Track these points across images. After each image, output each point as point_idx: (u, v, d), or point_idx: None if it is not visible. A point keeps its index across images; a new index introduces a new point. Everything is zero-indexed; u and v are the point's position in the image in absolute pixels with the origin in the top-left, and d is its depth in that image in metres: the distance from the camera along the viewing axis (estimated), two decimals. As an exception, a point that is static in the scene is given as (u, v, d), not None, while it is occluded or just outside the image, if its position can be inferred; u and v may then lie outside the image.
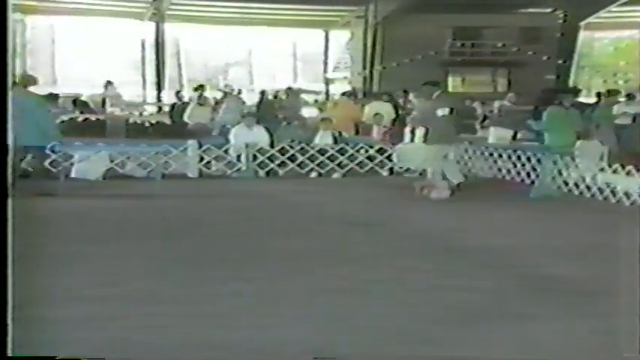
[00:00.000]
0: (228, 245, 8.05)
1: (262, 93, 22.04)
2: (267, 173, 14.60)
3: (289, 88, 21.30)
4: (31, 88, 12.20)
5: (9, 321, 3.43)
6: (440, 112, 12.00)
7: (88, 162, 13.60)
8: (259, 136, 15.05)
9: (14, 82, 12.54)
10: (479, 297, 5.91)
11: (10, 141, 3.64)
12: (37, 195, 11.11)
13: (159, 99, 26.67)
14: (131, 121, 15.80)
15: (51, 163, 13.16)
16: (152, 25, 28.20)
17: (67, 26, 32.13)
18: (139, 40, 29.65)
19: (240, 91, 25.25)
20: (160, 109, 24.51)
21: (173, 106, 20.05)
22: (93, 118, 15.41)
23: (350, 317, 5.39)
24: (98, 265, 6.96)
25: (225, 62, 35.07)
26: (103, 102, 19.32)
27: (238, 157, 14.66)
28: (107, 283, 6.25)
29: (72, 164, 13.58)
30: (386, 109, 17.59)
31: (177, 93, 22.51)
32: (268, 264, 7.11)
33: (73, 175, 13.44)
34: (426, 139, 12.53)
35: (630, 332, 4.67)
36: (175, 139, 14.63)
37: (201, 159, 14.43)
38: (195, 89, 20.80)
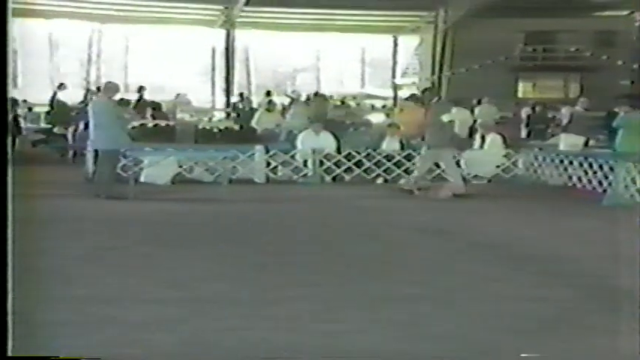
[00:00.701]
0: (296, 250, 8.07)
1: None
2: (334, 179, 14.62)
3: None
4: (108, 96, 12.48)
5: (9, 321, 3.36)
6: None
7: (158, 167, 13.85)
8: (326, 141, 15.08)
9: (97, 89, 12.91)
10: (549, 307, 5.77)
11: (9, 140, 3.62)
12: (108, 198, 11.38)
13: (227, 105, 26.96)
14: (200, 126, 15.97)
15: (122, 168, 13.44)
16: (222, 33, 28.53)
17: (140, 34, 32.80)
18: (209, 48, 30.06)
19: (308, 97, 25.39)
20: (228, 114, 24.76)
21: (235, 108, 20.24)
22: (163, 124, 15.63)
23: (420, 325, 5.31)
24: (166, 268, 7.06)
25: (294, 68, 35.25)
26: (174, 108, 19.69)
27: (305, 162, 14.73)
28: (175, 286, 6.31)
29: (142, 169, 13.85)
30: (463, 116, 17.34)
31: (245, 98, 22.75)
32: (336, 269, 7.09)
33: (142, 179, 13.70)
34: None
35: None
36: (243, 144, 14.76)
37: (268, 164, 14.54)
38: (267, 95, 21.06)
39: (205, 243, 8.41)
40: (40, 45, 33.38)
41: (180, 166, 14.21)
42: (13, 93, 21.21)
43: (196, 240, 8.60)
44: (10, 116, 17.06)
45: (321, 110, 18.30)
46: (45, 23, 31.45)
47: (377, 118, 22.24)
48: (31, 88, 23.53)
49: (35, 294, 5.96)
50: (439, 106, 13.36)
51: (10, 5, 3.38)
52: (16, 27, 27.85)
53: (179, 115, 18.18)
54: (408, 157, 14.87)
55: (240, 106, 22.20)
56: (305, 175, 14.67)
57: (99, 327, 5.14)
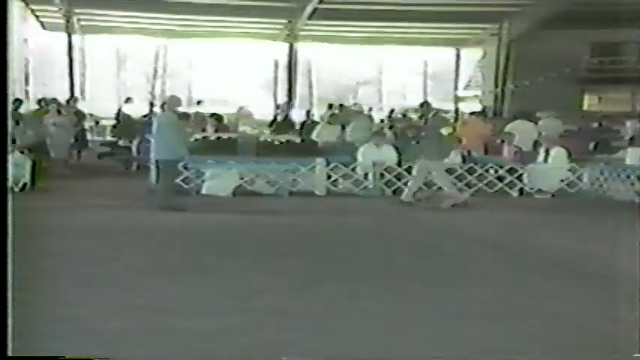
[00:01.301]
0: (356, 263, 8.02)
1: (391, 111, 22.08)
2: (394, 192, 14.52)
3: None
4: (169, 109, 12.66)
5: (9, 321, 3.41)
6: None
7: (219, 179, 13.99)
8: (387, 154, 15.03)
9: (163, 104, 13.18)
10: (618, 328, 5.59)
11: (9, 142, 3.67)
12: (169, 209, 11.53)
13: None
14: (262, 139, 16.07)
15: (183, 180, 13.62)
16: (285, 46, 28.72)
17: (204, 49, 33.26)
18: (271, 61, 30.29)
19: (370, 110, 25.32)
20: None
21: (303, 124, 20.33)
22: (225, 136, 15.79)
23: (483, 343, 5.20)
24: (227, 279, 7.08)
25: (356, 81, 35.23)
26: (236, 121, 19.87)
27: (365, 175, 14.69)
28: (235, 297, 6.33)
29: (203, 181, 14.00)
30: (526, 129, 17.08)
31: (308, 112, 22.82)
32: (397, 283, 7.02)
33: (203, 191, 13.85)
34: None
35: None
36: (304, 157, 14.80)
37: (329, 177, 14.53)
38: (329, 108, 21.08)
39: (265, 255, 8.43)
40: (108, 60, 34.17)
41: (242, 179, 14.32)
42: (81, 106, 21.74)
43: (256, 252, 8.63)
44: (77, 129, 17.38)
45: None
46: (113, 39, 32.18)
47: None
48: (99, 102, 24.05)
49: (97, 303, 6.06)
50: (435, 119, 14.35)
51: (11, 6, 3.43)
52: (85, 43, 28.54)
53: (241, 128, 18.33)
54: (470, 171, 14.71)
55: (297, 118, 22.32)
56: (365, 187, 14.62)
57: (160, 337, 5.18)
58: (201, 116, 17.59)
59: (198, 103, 21.54)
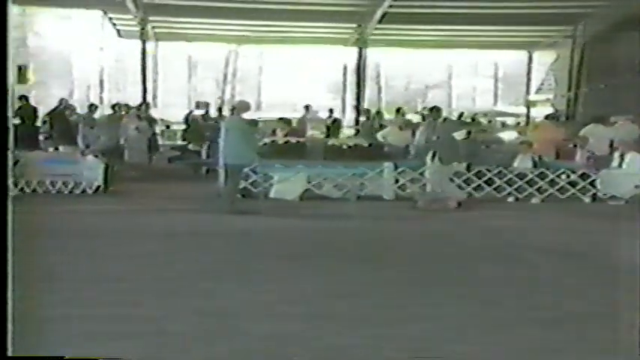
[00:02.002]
0: (423, 268, 7.96)
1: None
2: (463, 197, 14.35)
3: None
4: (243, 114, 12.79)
5: (9, 321, 3.40)
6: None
7: (287, 183, 14.08)
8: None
9: (232, 109, 13.34)
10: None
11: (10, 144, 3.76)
12: (236, 213, 11.65)
13: (357, 122, 27.06)
14: (329, 143, 16.12)
15: (251, 184, 13.75)
16: (354, 50, 28.73)
17: (274, 54, 33.58)
18: (340, 65, 30.36)
19: (439, 111, 25.09)
20: (357, 131, 24.85)
21: (363, 125, 20.25)
22: (293, 140, 15.89)
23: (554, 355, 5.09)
24: (291, 283, 7.10)
25: (425, 85, 35.01)
26: (304, 125, 19.96)
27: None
28: (298, 302, 6.35)
29: (271, 185, 14.11)
30: (600, 133, 16.63)
31: (368, 115, 22.79)
32: (462, 289, 6.93)
33: (272, 195, 13.95)
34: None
35: None
36: (372, 161, 14.77)
37: (397, 181, 14.46)
38: (397, 112, 21.01)
39: (331, 259, 8.42)
40: (180, 66, 34.78)
41: (309, 182, 14.37)
42: (153, 112, 22.18)
43: (322, 256, 8.63)
44: (149, 134, 17.72)
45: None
46: (185, 46, 32.76)
47: (509, 136, 21.73)
48: (170, 108, 24.50)
49: (163, 305, 6.16)
50: (449, 123, 14.68)
51: (11, 6, 3.49)
52: (159, 50, 29.11)
53: (309, 132, 18.41)
54: (541, 176, 14.45)
55: (367, 122, 22.26)
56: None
57: (225, 339, 5.23)
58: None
59: (307, 108, 21.53)
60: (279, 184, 14.12)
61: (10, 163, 3.97)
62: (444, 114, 15.85)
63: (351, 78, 29.00)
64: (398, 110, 20.96)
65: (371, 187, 14.42)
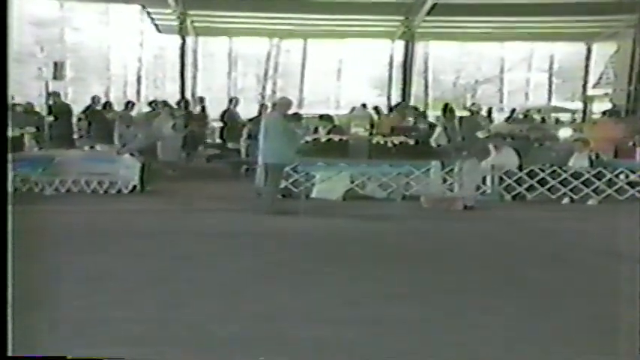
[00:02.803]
0: (474, 272, 7.88)
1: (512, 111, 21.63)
2: (514, 197, 14.19)
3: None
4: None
5: (9, 321, 3.50)
6: None
7: (330, 182, 14.05)
8: (507, 157, 14.70)
9: (273, 105, 13.37)
10: None
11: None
12: (277, 214, 11.67)
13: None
14: (374, 141, 16.03)
15: (292, 183, 13.75)
16: (401, 44, 28.58)
17: (317, 48, 33.58)
18: (386, 60, 30.26)
19: (489, 110, 24.86)
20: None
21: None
22: (336, 138, 15.83)
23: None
24: (339, 287, 7.09)
25: (475, 79, 34.67)
26: (348, 122, 19.88)
27: (483, 179, 14.41)
28: (349, 305, 6.33)
29: (313, 184, 14.10)
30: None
31: (415, 108, 22.62)
32: (517, 295, 6.84)
33: (313, 195, 13.94)
34: None
35: None
36: (418, 159, 14.68)
37: (445, 181, 14.34)
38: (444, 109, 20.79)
39: (377, 261, 8.39)
40: (220, 62, 35.00)
41: (352, 182, 14.33)
42: (191, 108, 22.32)
43: (367, 258, 8.61)
44: (187, 131, 17.79)
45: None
46: (226, 41, 32.95)
47: (564, 133, 21.42)
48: (211, 104, 24.62)
49: (207, 309, 6.18)
50: (470, 120, 15.25)
51: (11, 5, 3.56)
52: (199, 45, 29.33)
53: (353, 130, 18.33)
54: (599, 175, 14.19)
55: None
56: (483, 192, 14.35)
57: (271, 345, 5.23)
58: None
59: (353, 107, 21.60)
60: (321, 184, 14.11)
61: (10, 163, 4.13)
62: (495, 109, 15.77)
63: (397, 73, 28.88)
64: (445, 107, 20.73)
65: (417, 187, 14.32)
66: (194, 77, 29.24)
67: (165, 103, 20.11)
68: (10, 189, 4.08)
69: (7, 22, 3.47)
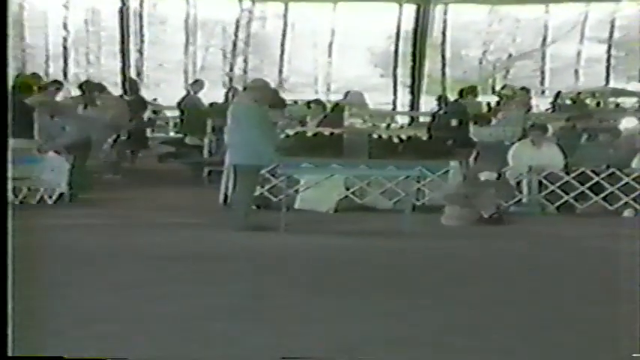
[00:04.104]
0: (502, 308, 7.97)
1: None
2: (559, 208, 14.36)
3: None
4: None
5: (9, 321, 4.08)
6: None
7: (318, 189, 14.20)
8: (549, 156, 14.91)
9: (243, 89, 13.47)
10: None
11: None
12: (250, 229, 11.77)
13: (412, 106, 27.01)
14: (375, 135, 16.19)
15: (270, 190, 13.87)
16: (411, 9, 28.70)
17: (300, 14, 33.66)
18: (391, 29, 30.29)
19: (528, 92, 24.88)
20: (412, 119, 24.81)
21: (434, 116, 20.36)
22: (327, 132, 15.97)
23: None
24: (331, 324, 7.17)
25: (509, 54, 34.70)
26: (342, 111, 20.01)
27: (518, 184, 14.58)
28: (348, 353, 6.44)
29: (297, 192, 14.21)
30: None
31: (439, 98, 22.83)
32: (567, 331, 7.02)
33: (297, 205, 14.08)
34: None
35: None
36: (433, 159, 14.83)
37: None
38: (465, 92, 20.97)
39: (380, 291, 8.46)
40: (174, 31, 34.99)
41: (348, 189, 14.46)
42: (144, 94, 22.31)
43: (369, 287, 8.68)
44: (132, 123, 17.78)
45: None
46: (182, 4, 32.99)
47: (627, 123, 21.55)
48: (162, 87, 24.79)
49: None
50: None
51: (10, 5, 4.03)
52: (145, 8, 29.30)
53: (349, 121, 18.47)
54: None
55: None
56: (519, 201, 14.50)
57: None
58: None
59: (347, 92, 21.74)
60: (307, 191, 14.24)
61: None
62: (533, 93, 15.91)
63: (406, 47, 28.94)
64: (471, 90, 20.90)
65: (432, 195, 14.46)
66: (140, 51, 29.23)
67: (101, 86, 20.18)
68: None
69: (7, 22, 4.04)
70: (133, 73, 26.69)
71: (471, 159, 14.36)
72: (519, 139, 15.86)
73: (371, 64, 33.55)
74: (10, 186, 4.41)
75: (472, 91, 21.11)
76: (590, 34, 33.82)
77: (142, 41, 29.52)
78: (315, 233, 12.20)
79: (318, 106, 17.92)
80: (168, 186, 16.60)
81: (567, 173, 14.60)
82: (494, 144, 16.26)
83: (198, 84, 22.48)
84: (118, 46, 27.07)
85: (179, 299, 7.96)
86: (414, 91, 27.31)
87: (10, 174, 4.99)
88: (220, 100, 21.63)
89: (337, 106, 19.99)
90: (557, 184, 14.49)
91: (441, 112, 20.82)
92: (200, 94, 21.93)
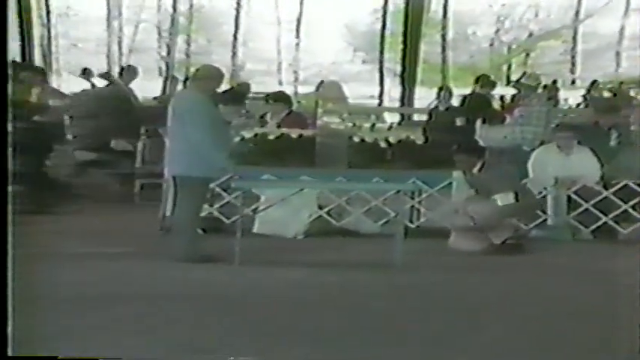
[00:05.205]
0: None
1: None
2: (595, 232, 14.42)
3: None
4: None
5: (9, 321, 4.80)
6: None
7: (283, 208, 14.16)
8: (581, 165, 14.98)
9: (186, 79, 13.50)
10: None
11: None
12: (197, 261, 11.74)
13: (403, 101, 27.13)
14: (357, 138, 16.22)
15: (221, 210, 13.85)
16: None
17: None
18: (376, 2, 30.49)
19: (554, 84, 25.06)
20: (403, 118, 24.86)
21: (431, 113, 20.45)
22: (294, 134, 15.98)
23: None
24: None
25: (529, 32, 34.77)
26: (313, 107, 20.02)
27: (541, 201, 14.63)
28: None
29: (256, 211, 14.20)
30: None
31: (440, 91, 22.91)
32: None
33: (256, 229, 14.08)
34: None
35: None
36: (431, 168, 14.87)
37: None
38: (479, 83, 21.11)
39: (363, 343, 8.47)
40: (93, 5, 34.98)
41: (322, 207, 14.48)
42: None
43: (348, 337, 8.68)
44: (37, 120, 17.80)
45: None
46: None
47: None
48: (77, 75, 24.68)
49: None
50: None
51: (10, 5, 4.56)
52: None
53: (322, 119, 18.49)
54: None
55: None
56: (543, 223, 14.55)
57: None
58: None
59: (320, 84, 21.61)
60: (269, 211, 14.21)
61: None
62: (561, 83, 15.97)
63: (396, 26, 29.10)
64: (483, 79, 21.00)
65: (430, 215, 14.49)
66: (48, 29, 29.15)
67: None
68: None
69: (7, 22, 4.66)
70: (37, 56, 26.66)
71: (475, 170, 14.19)
72: (542, 144, 15.88)
73: (350, 47, 33.69)
74: (10, 188, 5.58)
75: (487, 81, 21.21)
76: (638, 4, 33.89)
77: (47, 12, 29.38)
78: (279, 266, 12.18)
79: (279, 101, 17.83)
80: (88, 204, 16.55)
81: (605, 187, 14.66)
82: (509, 149, 16.32)
83: (130, 71, 22.37)
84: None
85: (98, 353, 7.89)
86: (406, 81, 27.41)
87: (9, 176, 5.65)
88: (156, 92, 21.71)
89: (307, 101, 20.04)
90: (593, 201, 14.55)
91: (442, 108, 20.88)
92: (132, 85, 21.89)
